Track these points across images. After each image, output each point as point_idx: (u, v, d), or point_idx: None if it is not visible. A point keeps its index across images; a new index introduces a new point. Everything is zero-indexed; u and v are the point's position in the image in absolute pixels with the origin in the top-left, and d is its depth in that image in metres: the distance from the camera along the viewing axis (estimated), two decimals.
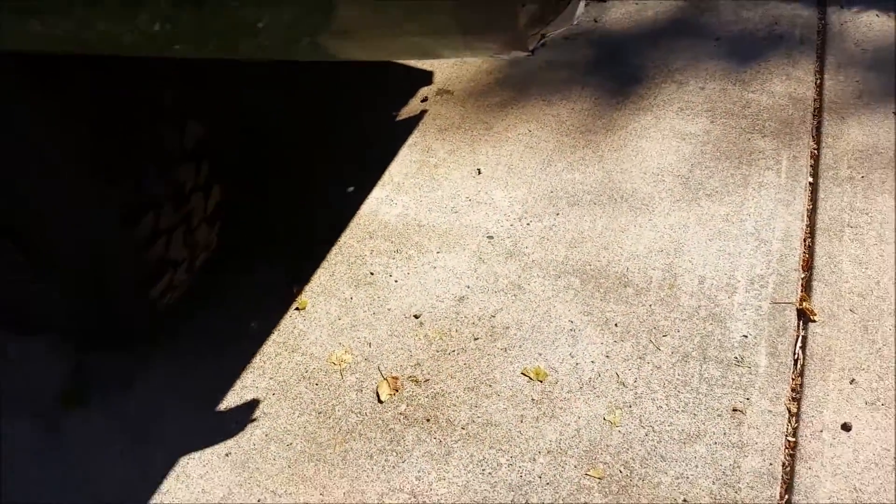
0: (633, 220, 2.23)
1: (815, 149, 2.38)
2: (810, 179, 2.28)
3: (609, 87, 2.76)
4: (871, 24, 2.85)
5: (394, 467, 1.73)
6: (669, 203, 2.27)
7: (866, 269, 1.99)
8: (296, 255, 2.27)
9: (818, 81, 2.64)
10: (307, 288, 2.19)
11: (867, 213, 2.14)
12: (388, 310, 2.09)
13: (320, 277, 2.21)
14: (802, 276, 2.01)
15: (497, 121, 2.69)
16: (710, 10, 3.07)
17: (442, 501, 1.65)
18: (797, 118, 2.49)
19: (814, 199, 2.21)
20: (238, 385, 1.97)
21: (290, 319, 2.11)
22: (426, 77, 2.98)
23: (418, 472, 1.71)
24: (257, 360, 2.02)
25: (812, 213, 2.17)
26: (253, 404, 1.92)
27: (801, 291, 1.96)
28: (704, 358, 1.84)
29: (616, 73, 2.82)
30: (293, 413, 1.88)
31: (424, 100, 2.86)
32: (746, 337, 1.87)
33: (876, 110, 2.49)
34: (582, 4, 1.18)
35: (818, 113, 2.51)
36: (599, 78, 2.81)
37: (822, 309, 1.90)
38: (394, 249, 2.27)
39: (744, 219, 2.18)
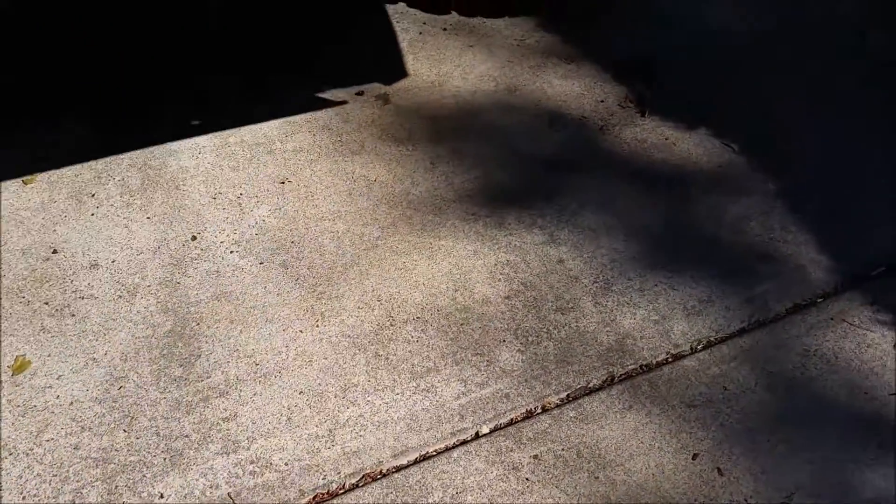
0: (272, 314, 1.89)
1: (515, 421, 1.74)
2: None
3: (508, 195, 2.26)
4: (868, 346, 1.89)
5: None
6: (305, 325, 1.87)
7: None
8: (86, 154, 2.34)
9: (681, 352, 1.87)
10: (53, 173, 2.26)
11: None
12: (54, 231, 2.09)
13: (69, 173, 2.27)
14: None
15: (372, 152, 2.38)
16: (740, 196, 2.27)
17: None
18: (582, 363, 1.82)
19: None
20: None
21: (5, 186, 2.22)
22: (392, 73, 2.70)
23: None
24: None
25: None
26: None
27: None
28: None
29: (546, 189, 2.28)
30: None
31: (360, 94, 2.62)
32: None
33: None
34: None
35: (620, 378, 1.80)
36: (514, 180, 2.30)
37: None
38: (133, 190, 2.22)
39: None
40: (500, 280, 2.00)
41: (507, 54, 2.82)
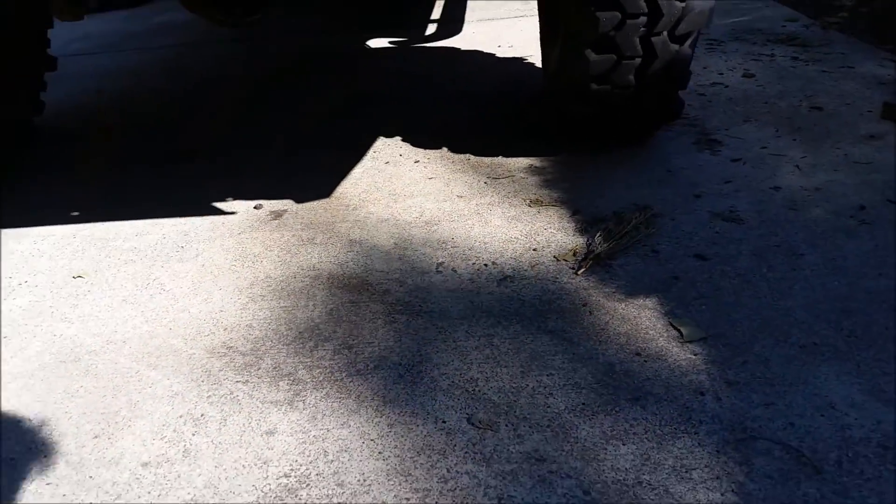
0: None
1: None
2: None
3: (303, 337, 1.60)
4: None
5: None
6: None
7: None
8: None
9: None
10: None
11: None
12: None
13: None
14: None
15: (196, 261, 1.92)
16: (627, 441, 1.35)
17: None
18: None
19: None
20: None
21: None
22: (312, 192, 2.25)
23: None
24: None
25: None
26: None
27: None
28: None
29: (357, 343, 1.61)
30: None
31: (258, 207, 2.21)
32: None
33: None
34: None
35: None
36: (322, 322, 1.65)
37: None
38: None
39: None
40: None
41: (463, 188, 2.20)
